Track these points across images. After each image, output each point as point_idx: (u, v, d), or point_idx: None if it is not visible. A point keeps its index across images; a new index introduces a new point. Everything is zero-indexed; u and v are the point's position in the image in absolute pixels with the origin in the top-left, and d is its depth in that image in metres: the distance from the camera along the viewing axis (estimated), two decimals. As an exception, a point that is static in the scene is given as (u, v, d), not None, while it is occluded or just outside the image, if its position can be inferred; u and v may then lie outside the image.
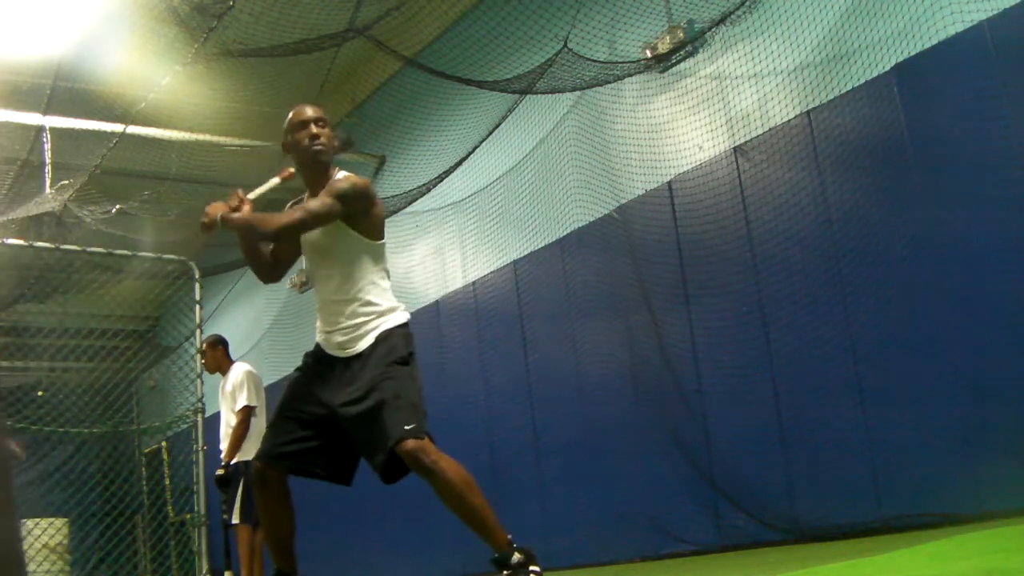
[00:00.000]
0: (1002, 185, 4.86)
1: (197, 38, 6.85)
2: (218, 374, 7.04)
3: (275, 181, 3.62)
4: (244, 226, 3.40)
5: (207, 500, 8.26)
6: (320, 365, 3.45)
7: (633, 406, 6.90)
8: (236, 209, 3.45)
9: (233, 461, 6.57)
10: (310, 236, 3.52)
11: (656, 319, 6.79)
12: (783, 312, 5.94)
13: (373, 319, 3.39)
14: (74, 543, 12.84)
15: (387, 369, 3.28)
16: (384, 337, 3.35)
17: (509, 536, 3.16)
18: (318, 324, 3.52)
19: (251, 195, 3.57)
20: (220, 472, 6.62)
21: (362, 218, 3.45)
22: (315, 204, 3.40)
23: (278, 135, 3.71)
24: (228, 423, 6.74)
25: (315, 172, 3.53)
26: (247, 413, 6.62)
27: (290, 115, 3.57)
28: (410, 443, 3.12)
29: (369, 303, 3.41)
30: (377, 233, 3.50)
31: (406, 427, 3.15)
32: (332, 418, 3.34)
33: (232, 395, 6.74)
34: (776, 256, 5.99)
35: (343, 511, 9.16)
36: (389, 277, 3.55)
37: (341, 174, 3.53)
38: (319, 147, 3.50)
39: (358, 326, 3.38)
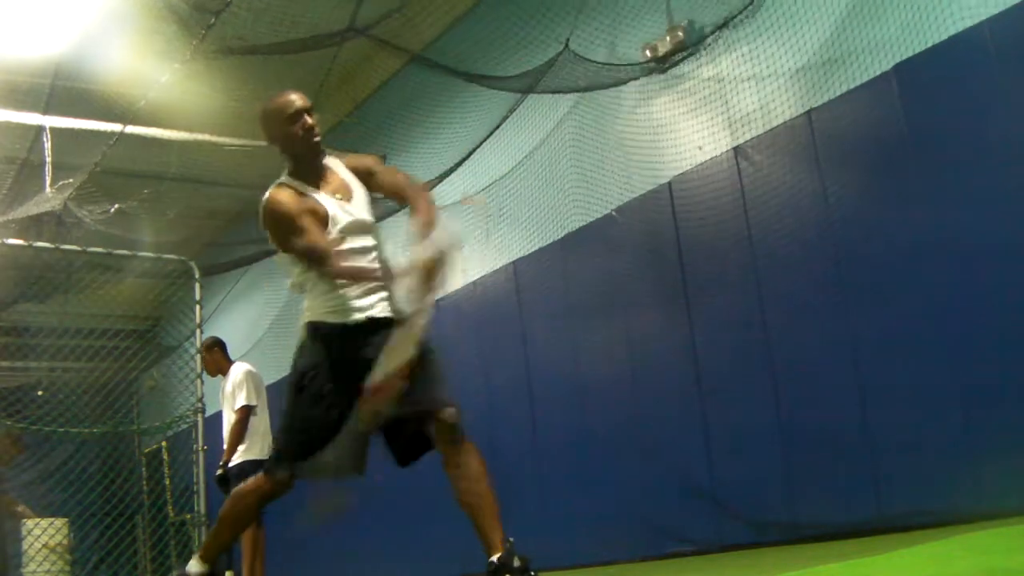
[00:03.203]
0: (1002, 185, 4.85)
1: (196, 35, 6.85)
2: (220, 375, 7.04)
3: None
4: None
5: (207, 500, 8.26)
6: (355, 342, 3.37)
7: (633, 406, 6.90)
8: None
9: (235, 461, 6.56)
10: (358, 211, 3.46)
11: (656, 319, 6.78)
12: (783, 312, 5.94)
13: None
14: (74, 543, 12.82)
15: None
16: None
17: (511, 540, 3.15)
18: (356, 299, 3.39)
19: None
20: (220, 472, 6.62)
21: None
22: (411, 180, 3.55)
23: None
24: (230, 423, 6.73)
25: (314, 164, 3.41)
26: (246, 412, 6.61)
27: (274, 105, 3.36)
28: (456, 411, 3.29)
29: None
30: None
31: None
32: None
33: (233, 395, 6.74)
34: (776, 256, 5.99)
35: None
36: None
37: (334, 159, 3.51)
38: (319, 138, 3.38)
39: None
